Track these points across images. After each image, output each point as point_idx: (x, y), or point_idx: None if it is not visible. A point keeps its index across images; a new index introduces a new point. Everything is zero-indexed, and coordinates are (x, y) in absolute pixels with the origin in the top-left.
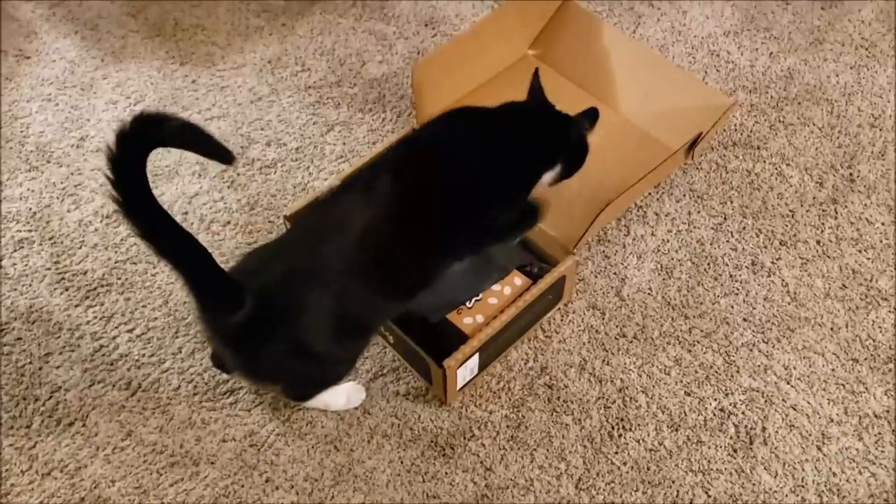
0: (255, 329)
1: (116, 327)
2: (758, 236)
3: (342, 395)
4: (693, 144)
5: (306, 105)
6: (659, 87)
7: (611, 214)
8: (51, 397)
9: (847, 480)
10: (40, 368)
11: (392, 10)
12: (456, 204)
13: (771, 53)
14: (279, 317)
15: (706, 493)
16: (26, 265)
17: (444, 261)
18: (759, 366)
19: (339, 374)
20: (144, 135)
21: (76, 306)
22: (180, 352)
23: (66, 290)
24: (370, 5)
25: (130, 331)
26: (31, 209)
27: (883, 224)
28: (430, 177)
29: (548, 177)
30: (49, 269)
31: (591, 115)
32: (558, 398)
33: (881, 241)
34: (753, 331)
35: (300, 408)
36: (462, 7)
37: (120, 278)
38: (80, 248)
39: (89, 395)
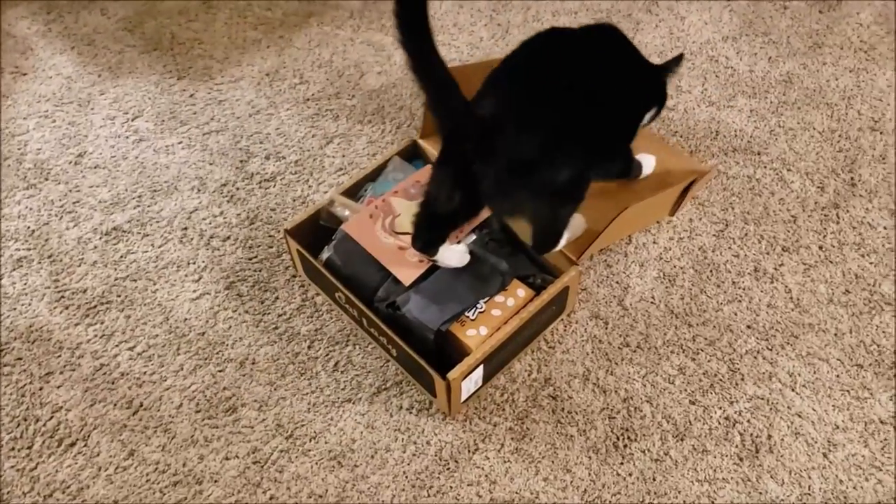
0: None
1: (117, 345)
2: (760, 242)
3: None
4: (683, 195)
5: (305, 117)
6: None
7: (616, 232)
8: (52, 417)
9: (854, 487)
10: (41, 388)
11: (390, 20)
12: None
13: (770, 58)
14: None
15: (712, 502)
16: (25, 284)
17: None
18: (763, 373)
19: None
20: None
21: (76, 325)
22: (182, 369)
23: (66, 308)
24: (367, 16)
25: (131, 349)
26: (29, 227)
27: (885, 228)
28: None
29: (646, 118)
30: (48, 287)
31: (678, 60)
32: (563, 409)
33: (883, 246)
34: (757, 338)
35: (303, 423)
36: (460, 17)
37: (120, 295)
38: (80, 265)
39: (90, 414)
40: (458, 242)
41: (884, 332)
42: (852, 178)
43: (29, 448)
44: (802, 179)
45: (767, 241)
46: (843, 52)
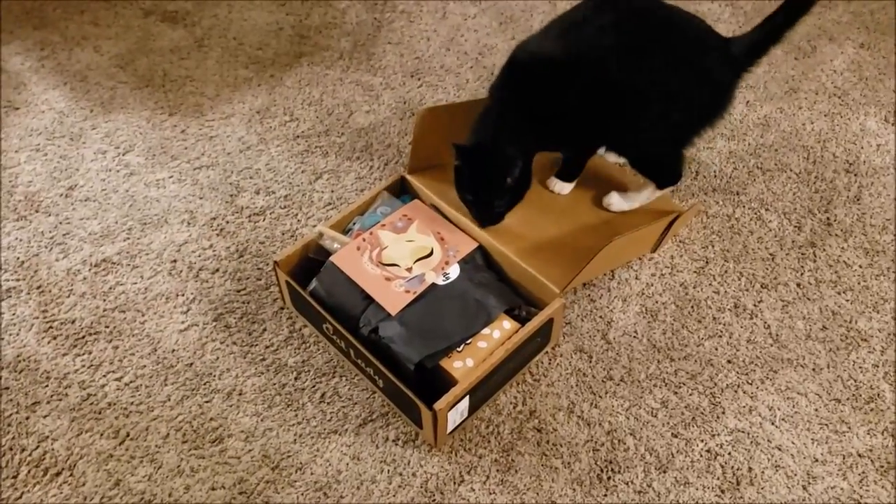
0: None
1: (105, 375)
2: (739, 279)
3: None
4: (664, 232)
5: (295, 154)
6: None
7: (599, 265)
8: (38, 447)
9: None
10: (27, 418)
11: (378, 61)
12: None
13: (748, 102)
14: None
15: None
16: (14, 314)
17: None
18: (743, 407)
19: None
20: None
21: (64, 355)
22: (169, 399)
23: (54, 338)
24: (357, 57)
25: (119, 379)
26: (18, 258)
27: (860, 266)
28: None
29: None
30: (37, 318)
31: None
32: (547, 441)
33: (859, 283)
34: (738, 372)
35: (289, 454)
36: (447, 59)
37: (108, 326)
38: (69, 296)
39: (77, 444)
40: (445, 273)
41: (860, 367)
42: (828, 218)
43: (14, 477)
44: (780, 219)
45: (747, 279)
46: (817, 97)
